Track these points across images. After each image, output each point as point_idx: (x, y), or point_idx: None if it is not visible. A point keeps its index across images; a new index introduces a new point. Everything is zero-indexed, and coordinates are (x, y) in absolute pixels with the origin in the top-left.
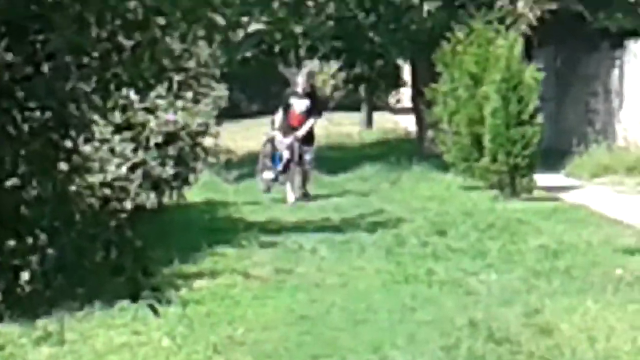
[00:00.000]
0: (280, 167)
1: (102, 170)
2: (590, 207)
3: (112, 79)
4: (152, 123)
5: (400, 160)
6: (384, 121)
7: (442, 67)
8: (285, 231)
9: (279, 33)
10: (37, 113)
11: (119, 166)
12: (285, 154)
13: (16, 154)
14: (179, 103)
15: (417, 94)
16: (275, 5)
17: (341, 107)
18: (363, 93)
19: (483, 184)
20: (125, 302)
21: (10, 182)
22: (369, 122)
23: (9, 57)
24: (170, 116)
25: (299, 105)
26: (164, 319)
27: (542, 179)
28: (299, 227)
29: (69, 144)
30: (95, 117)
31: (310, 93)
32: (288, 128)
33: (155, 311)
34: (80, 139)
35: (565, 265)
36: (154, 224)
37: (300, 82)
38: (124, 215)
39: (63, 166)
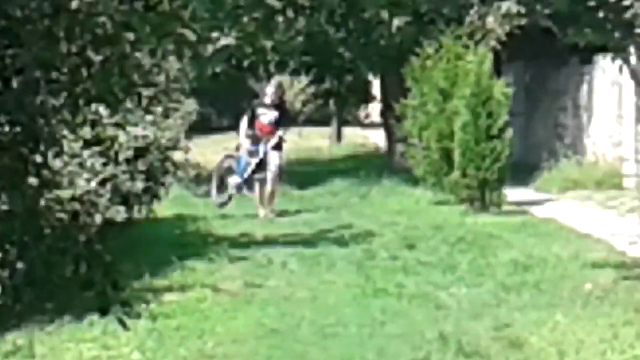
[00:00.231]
0: (245, 175)
1: (71, 184)
2: (559, 221)
3: (81, 93)
4: (122, 138)
5: (370, 175)
6: (353, 136)
7: (411, 82)
8: (255, 245)
9: (248, 48)
10: (7, 128)
11: (88, 181)
12: (253, 162)
13: None
14: (149, 117)
15: (386, 109)
16: (245, 20)
17: (311, 121)
18: (333, 107)
19: (453, 199)
20: (94, 316)
21: None
22: (339, 136)
23: None
24: (139, 131)
25: (267, 116)
26: (133, 333)
27: (512, 193)
28: (269, 241)
29: (38, 158)
30: (65, 131)
31: (279, 104)
32: (255, 138)
33: (124, 325)
34: (50, 154)
35: (534, 279)
36: (123, 238)
37: (269, 92)
38: (93, 230)
39: (33, 180)
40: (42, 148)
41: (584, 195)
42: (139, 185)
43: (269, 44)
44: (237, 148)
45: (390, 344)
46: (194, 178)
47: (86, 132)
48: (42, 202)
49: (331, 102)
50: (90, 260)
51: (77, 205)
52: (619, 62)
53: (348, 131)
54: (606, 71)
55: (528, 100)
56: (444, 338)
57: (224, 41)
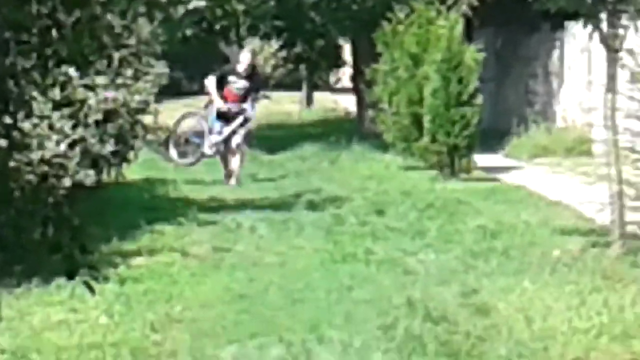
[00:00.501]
0: (221, 138)
1: (40, 146)
2: (528, 187)
3: (51, 55)
4: (92, 100)
5: (340, 140)
6: (324, 100)
7: (382, 47)
8: (224, 209)
9: (220, 10)
10: None
11: (57, 143)
12: (226, 130)
13: None
14: (119, 80)
15: (357, 74)
16: None
17: (281, 85)
18: (304, 72)
19: (422, 164)
20: (62, 280)
21: None
22: (309, 101)
23: None
24: (109, 93)
25: (238, 84)
26: (101, 297)
27: (482, 159)
28: (238, 206)
29: (8, 119)
30: (35, 93)
31: (252, 74)
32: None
33: (91, 289)
34: (20, 115)
35: (503, 245)
36: (92, 201)
37: (243, 60)
38: (62, 193)
39: (2, 142)
40: (11, 109)
41: (553, 162)
42: (109, 148)
43: (240, 7)
44: (206, 106)
45: (358, 310)
46: (163, 142)
47: (56, 93)
48: (12, 164)
49: (302, 66)
50: (58, 224)
51: (46, 168)
52: (589, 28)
53: (318, 96)
54: (577, 37)
55: (499, 66)
56: (412, 304)
57: (195, 3)
